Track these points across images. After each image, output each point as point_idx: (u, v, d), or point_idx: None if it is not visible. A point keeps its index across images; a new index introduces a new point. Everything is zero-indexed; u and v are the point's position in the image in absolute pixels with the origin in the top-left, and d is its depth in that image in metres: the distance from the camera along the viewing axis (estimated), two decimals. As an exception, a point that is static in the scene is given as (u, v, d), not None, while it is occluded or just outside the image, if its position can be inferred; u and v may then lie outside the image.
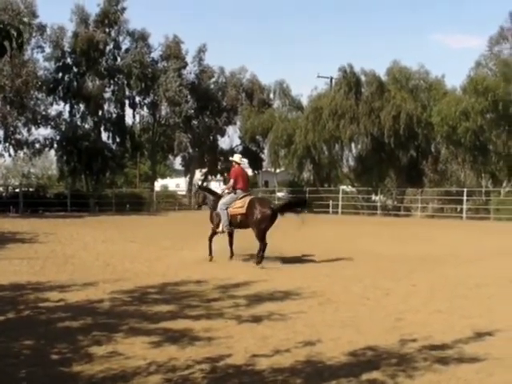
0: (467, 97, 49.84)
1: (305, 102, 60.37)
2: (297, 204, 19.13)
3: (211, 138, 66.38)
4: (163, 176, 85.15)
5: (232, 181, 18.43)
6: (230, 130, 68.32)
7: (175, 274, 15.31)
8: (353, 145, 55.88)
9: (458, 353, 8.16)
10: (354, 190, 58.84)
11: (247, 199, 17.92)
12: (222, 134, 67.28)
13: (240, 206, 17.82)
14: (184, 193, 69.26)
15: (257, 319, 10.08)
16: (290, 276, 15.17)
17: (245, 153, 64.90)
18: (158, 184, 75.09)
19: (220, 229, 18.17)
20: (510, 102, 50.57)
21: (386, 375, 7.15)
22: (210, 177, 71.99)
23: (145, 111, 64.46)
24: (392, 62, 55.90)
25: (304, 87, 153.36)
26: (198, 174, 71.82)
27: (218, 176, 71.08)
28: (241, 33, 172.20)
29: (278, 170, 67.55)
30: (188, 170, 69.65)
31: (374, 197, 54.68)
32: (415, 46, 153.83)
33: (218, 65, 67.16)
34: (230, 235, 18.54)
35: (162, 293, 12.82)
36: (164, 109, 63.15)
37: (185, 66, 63.47)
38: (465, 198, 47.06)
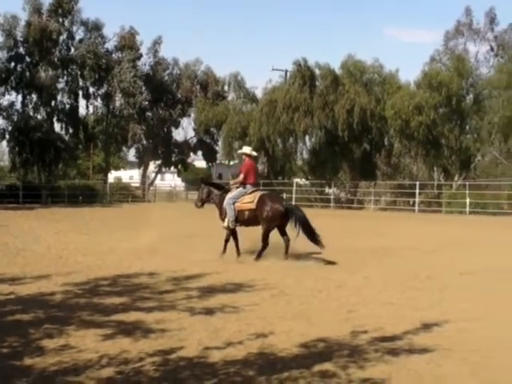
0: (421, 91, 50.42)
1: (259, 94, 60.51)
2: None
3: (165, 129, 66.19)
4: (117, 168, 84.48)
5: (242, 175, 17.16)
6: (185, 121, 68.26)
7: (128, 267, 15.21)
8: (307, 138, 56.14)
9: (409, 344, 8.24)
10: (307, 182, 59.06)
11: (257, 194, 16.89)
12: (177, 125, 67.14)
13: (249, 201, 16.80)
14: (138, 185, 68.92)
15: (209, 311, 10.07)
16: (243, 268, 15.17)
17: (199, 145, 64.93)
18: (112, 176, 74.48)
19: (225, 224, 17.08)
20: (462, 97, 51.34)
21: (338, 366, 7.20)
22: (164, 169, 71.74)
23: (98, 102, 64.12)
24: (346, 56, 56.25)
25: (259, 80, 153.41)
26: (152, 166, 71.53)
27: (172, 168, 70.84)
28: (196, 25, 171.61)
29: (232, 163, 67.48)
30: (142, 162, 69.35)
31: (327, 189, 54.93)
32: (370, 40, 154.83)
33: (172, 56, 66.79)
34: (234, 232, 17.31)
35: (114, 285, 12.74)
36: (118, 100, 62.74)
37: (139, 57, 63.13)
38: (417, 191, 47.56)
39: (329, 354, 7.72)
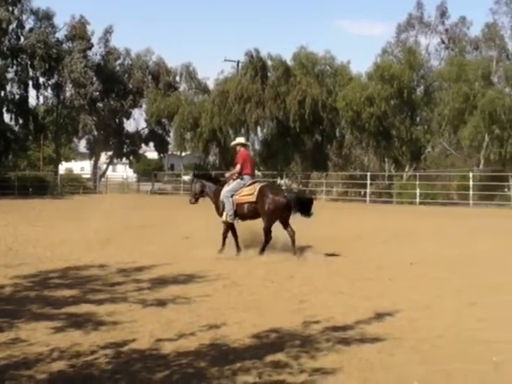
0: (373, 83, 50.76)
1: (211, 85, 60.49)
2: (305, 203, 16.20)
3: (117, 120, 65.69)
4: (67, 159, 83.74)
5: (239, 166, 16.31)
6: (136, 112, 67.89)
7: (78, 259, 15.07)
8: (258, 129, 56.37)
9: (360, 333, 8.31)
10: (259, 173, 59.11)
11: (257, 186, 16.08)
12: (128, 116, 66.72)
13: (248, 193, 15.96)
14: (89, 176, 68.34)
15: (161, 303, 10.04)
16: (194, 259, 15.11)
17: (151, 136, 64.61)
18: (63, 167, 73.78)
19: (223, 218, 16.23)
20: (413, 89, 51.88)
21: (290, 356, 7.23)
22: (115, 160, 71.23)
23: (49, 92, 63.30)
24: (298, 48, 56.38)
25: (211, 71, 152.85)
26: (104, 157, 70.98)
27: (124, 159, 70.37)
28: (147, 15, 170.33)
29: (183, 154, 67.37)
30: (93, 153, 68.73)
31: (279, 180, 55.08)
32: (322, 32, 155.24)
33: (124, 47, 66.27)
34: (232, 227, 16.44)
35: (64, 277, 12.61)
36: (69, 90, 62.12)
37: (90, 47, 62.53)
38: (368, 181, 47.99)
39: (281, 345, 7.74)
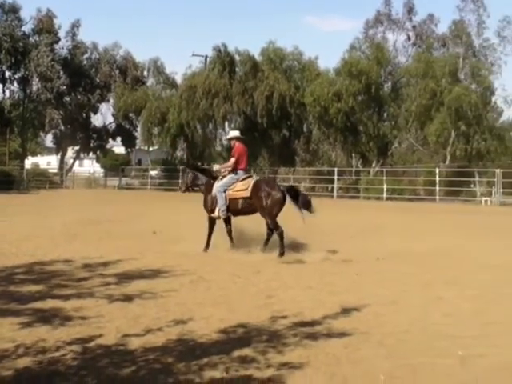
0: (340, 79, 50.93)
1: (179, 80, 60.26)
2: (297, 196, 15.54)
3: (84, 115, 65.17)
4: (34, 154, 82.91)
5: (234, 159, 15.76)
6: (103, 107, 67.31)
7: (45, 254, 14.94)
8: (226, 124, 56.24)
9: (327, 328, 8.34)
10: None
11: (251, 181, 15.54)
12: (95, 111, 66.18)
13: (242, 188, 15.44)
14: (56, 171, 67.80)
15: (128, 298, 10.00)
16: (161, 254, 15.07)
17: (118, 130, 64.28)
18: (29, 162, 73.06)
19: (216, 214, 15.66)
20: (381, 85, 52.15)
21: (257, 351, 7.24)
22: (82, 154, 70.75)
23: (15, 86, 62.64)
24: (267, 43, 56.37)
25: (179, 65, 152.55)
26: (70, 152, 70.45)
27: (91, 154, 69.94)
28: (115, 9, 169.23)
29: (151, 148, 67.14)
30: (60, 148, 68.11)
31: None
32: (290, 28, 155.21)
33: (91, 40, 65.70)
34: (227, 222, 15.97)
35: (30, 273, 12.51)
36: (35, 84, 61.47)
37: (57, 40, 61.93)
38: (336, 177, 48.18)
39: (248, 340, 7.76)
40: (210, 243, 15.80)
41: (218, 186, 15.67)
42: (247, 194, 15.33)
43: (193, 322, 8.61)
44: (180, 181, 17.27)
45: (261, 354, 7.16)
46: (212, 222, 15.95)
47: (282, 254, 14.72)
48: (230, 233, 15.96)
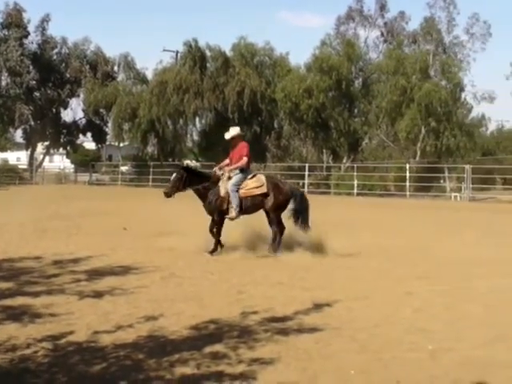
0: (311, 75, 50.99)
1: (150, 75, 59.93)
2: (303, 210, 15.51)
3: (54, 110, 64.65)
4: (3, 149, 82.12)
5: (247, 159, 15.19)
6: (74, 102, 66.72)
7: (14, 251, 14.82)
8: (197, 119, 56.14)
9: (299, 324, 8.37)
10: (198, 164, 59.02)
11: (262, 177, 15.34)
12: (65, 106, 65.64)
13: (257, 185, 15.00)
14: (25, 167, 67.25)
15: (98, 294, 9.96)
16: (132, 251, 15.04)
17: (88, 126, 63.89)
18: (-2, 157, 72.48)
19: (234, 214, 14.90)
20: (352, 81, 52.30)
21: (228, 347, 7.24)
22: (52, 150, 70.24)
23: (-16, 81, 61.96)
24: (238, 38, 56.26)
25: (149, 61, 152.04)
26: (40, 148, 69.90)
27: (61, 149, 69.47)
28: (85, 3, 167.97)
29: (122, 144, 66.76)
30: (29, 143, 67.53)
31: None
32: (262, 23, 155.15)
33: (61, 35, 65.13)
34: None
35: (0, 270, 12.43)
36: (4, 79, 60.87)
37: (27, 35, 61.30)
38: (306, 173, 48.25)
39: (219, 336, 7.76)
40: (218, 245, 15.03)
41: (230, 185, 14.96)
42: (264, 189, 14.99)
43: (164, 318, 8.60)
44: (169, 183, 15.32)
45: (232, 349, 7.17)
46: (221, 224, 15.17)
47: (275, 250, 14.72)
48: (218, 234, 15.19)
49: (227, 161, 15.66)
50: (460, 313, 9.27)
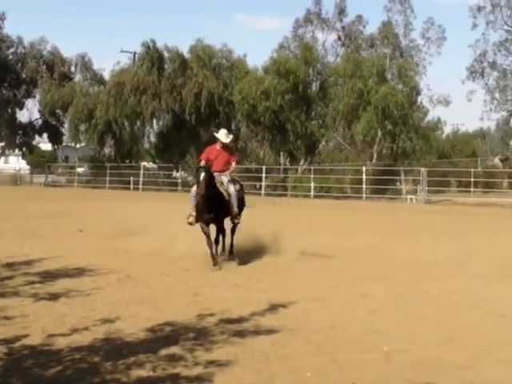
0: (269, 77, 51.11)
1: (107, 76, 59.49)
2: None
3: (9, 110, 63.86)
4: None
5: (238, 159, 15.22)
6: (30, 102, 65.98)
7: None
8: (154, 121, 55.90)
9: (255, 325, 8.40)
10: (155, 166, 58.85)
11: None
12: (21, 106, 64.87)
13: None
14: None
15: (54, 297, 9.88)
16: (88, 252, 14.92)
17: (44, 127, 63.26)
18: (-49, 159, 71.47)
19: (239, 219, 14.41)
20: (309, 84, 52.50)
21: (185, 349, 7.24)
22: (7, 151, 69.44)
23: None
24: (196, 40, 56.17)
25: (107, 62, 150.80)
26: (-5, 148, 69.09)
27: (16, 150, 68.70)
28: (42, 2, 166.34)
29: (78, 145, 66.18)
30: (-16, 144, 66.76)
31: (175, 173, 54.90)
32: (220, 25, 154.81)
33: (17, 34, 64.32)
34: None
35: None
36: (-42, 79, 60.07)
37: (-19, 34, 60.60)
38: (263, 175, 48.34)
39: (175, 338, 7.76)
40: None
41: (236, 190, 14.44)
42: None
43: (120, 320, 8.57)
44: (195, 187, 13.56)
45: (188, 352, 7.17)
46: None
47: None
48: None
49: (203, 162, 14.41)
50: (414, 314, 9.38)
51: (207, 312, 9.07)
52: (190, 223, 14.05)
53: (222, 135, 14.72)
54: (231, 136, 15.39)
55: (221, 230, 14.46)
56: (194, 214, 13.93)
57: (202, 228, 13.82)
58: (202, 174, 13.48)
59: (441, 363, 7.04)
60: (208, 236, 13.82)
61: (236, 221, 14.40)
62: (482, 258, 15.20)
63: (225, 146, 14.69)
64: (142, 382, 6.28)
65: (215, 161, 14.35)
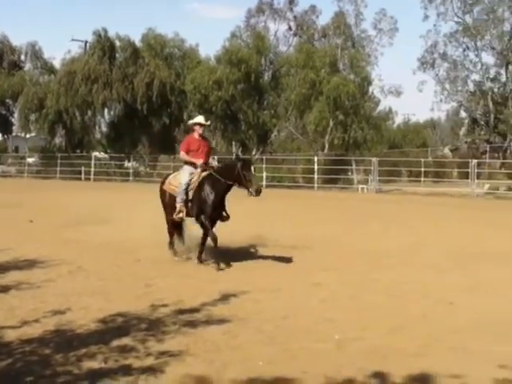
0: (221, 67, 51.04)
1: (58, 65, 58.96)
2: None
3: (-43, 100, 62.97)
4: None
5: None
6: (-22, 93, 65.11)
7: None
8: (106, 110, 55.51)
9: (207, 315, 8.42)
10: (106, 156, 58.44)
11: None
12: (-32, 96, 64.01)
13: None
14: None
15: (4, 289, 9.79)
16: (39, 244, 14.78)
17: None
18: None
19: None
20: (261, 74, 52.55)
21: (136, 340, 7.24)
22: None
23: None
24: (147, 29, 55.90)
25: (58, 50, 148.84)
26: None
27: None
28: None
29: (28, 135, 65.49)
30: None
31: (126, 163, 54.61)
32: (171, 14, 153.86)
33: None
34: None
35: None
36: None
37: None
38: (216, 164, 48.23)
39: (127, 329, 7.75)
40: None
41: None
42: None
43: (71, 312, 8.52)
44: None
45: (140, 342, 7.17)
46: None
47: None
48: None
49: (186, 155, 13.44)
50: (365, 303, 9.48)
51: (159, 303, 9.06)
52: (181, 218, 13.20)
53: (201, 119, 13.96)
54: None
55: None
56: (184, 208, 12.88)
57: (207, 225, 12.73)
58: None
59: (392, 351, 7.13)
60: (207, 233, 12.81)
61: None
62: (432, 247, 15.42)
63: (202, 136, 13.82)
64: (94, 373, 6.25)
65: (197, 152, 13.36)
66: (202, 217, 12.77)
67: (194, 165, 13.21)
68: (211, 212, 12.75)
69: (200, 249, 12.93)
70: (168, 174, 14.57)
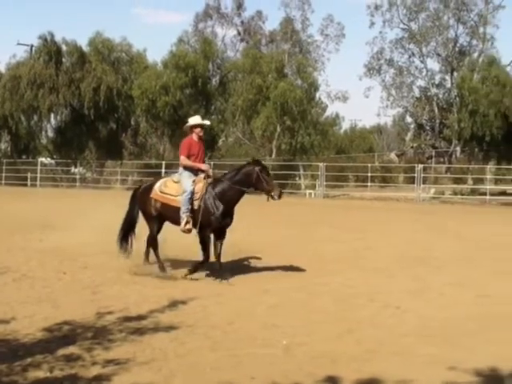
0: (168, 71, 50.86)
1: (3, 69, 58.14)
2: None
3: None
4: None
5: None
6: None
7: None
8: (52, 116, 54.84)
9: (154, 323, 8.40)
10: (52, 162, 57.80)
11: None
12: None
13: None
14: None
15: None
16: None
17: None
18: None
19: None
20: (208, 79, 52.51)
21: (83, 349, 7.18)
22: None
23: None
24: (94, 33, 55.40)
25: (3, 55, 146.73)
26: None
27: None
28: None
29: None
30: None
31: (73, 169, 54.09)
32: (118, 19, 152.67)
33: None
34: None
35: None
36: None
37: None
38: (163, 170, 48.09)
39: (73, 337, 7.68)
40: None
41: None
42: None
43: (16, 321, 8.42)
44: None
45: (86, 351, 7.12)
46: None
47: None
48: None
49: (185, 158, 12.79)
50: (313, 308, 9.55)
51: (106, 310, 9.00)
52: (189, 230, 12.28)
53: (198, 119, 13.24)
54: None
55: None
56: (191, 220, 12.13)
57: (208, 236, 12.27)
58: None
59: (339, 356, 7.19)
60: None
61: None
62: (380, 251, 15.59)
63: (200, 138, 13.07)
64: (39, 383, 6.19)
65: (197, 157, 12.82)
66: (207, 231, 12.15)
67: (196, 171, 12.61)
68: (218, 224, 12.24)
69: (193, 268, 12.05)
70: (147, 182, 13.95)
